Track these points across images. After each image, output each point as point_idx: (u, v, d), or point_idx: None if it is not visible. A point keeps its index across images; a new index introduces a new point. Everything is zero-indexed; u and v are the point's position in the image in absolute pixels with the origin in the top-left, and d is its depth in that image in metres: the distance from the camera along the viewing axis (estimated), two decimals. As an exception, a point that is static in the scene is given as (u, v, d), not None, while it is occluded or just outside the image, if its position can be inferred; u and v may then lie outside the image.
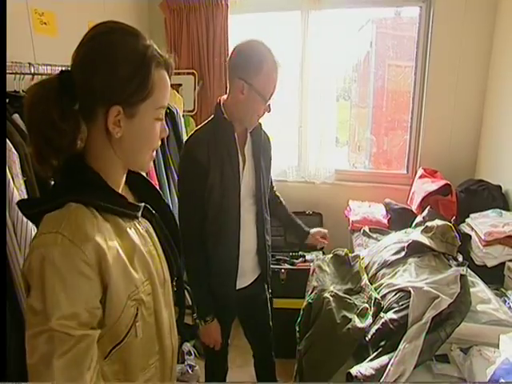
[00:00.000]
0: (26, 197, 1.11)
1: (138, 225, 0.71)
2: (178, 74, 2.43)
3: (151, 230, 0.76)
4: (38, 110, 0.59)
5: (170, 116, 1.91)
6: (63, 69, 0.63)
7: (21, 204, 0.63)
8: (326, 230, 1.51)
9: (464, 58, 2.09)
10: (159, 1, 2.44)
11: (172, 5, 2.42)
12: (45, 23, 1.67)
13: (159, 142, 0.71)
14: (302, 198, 2.38)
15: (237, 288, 1.29)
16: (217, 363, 1.47)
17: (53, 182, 0.67)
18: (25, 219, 1.07)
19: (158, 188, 0.83)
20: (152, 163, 1.65)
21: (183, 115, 2.15)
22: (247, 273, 1.33)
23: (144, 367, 0.70)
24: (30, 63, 1.38)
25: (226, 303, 1.31)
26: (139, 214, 0.72)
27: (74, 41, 0.62)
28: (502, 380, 0.86)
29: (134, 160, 0.69)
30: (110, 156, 0.66)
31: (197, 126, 2.44)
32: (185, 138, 2.02)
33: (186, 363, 1.81)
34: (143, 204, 0.73)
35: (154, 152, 0.72)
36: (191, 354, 1.88)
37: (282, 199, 1.53)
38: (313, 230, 1.51)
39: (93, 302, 0.58)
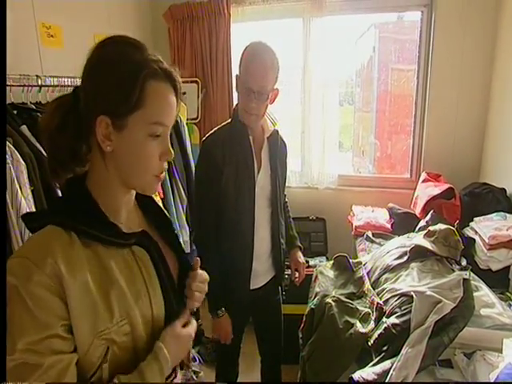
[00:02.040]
0: (33, 205, 1.14)
1: (127, 255, 0.64)
2: (182, 82, 2.47)
3: (147, 260, 0.67)
4: (42, 121, 0.61)
5: (174, 124, 1.94)
6: (70, 80, 0.66)
7: (25, 218, 0.63)
8: (302, 263, 1.43)
9: (466, 60, 2.09)
10: (163, 11, 2.49)
11: (175, 15, 2.48)
12: (52, 36, 1.72)
13: (164, 165, 0.65)
14: (306, 203, 2.38)
15: (251, 288, 1.31)
16: (228, 367, 1.48)
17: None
18: None
19: (167, 214, 0.79)
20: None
21: (187, 123, 2.19)
22: (261, 274, 1.35)
23: None
24: (37, 75, 1.42)
25: (240, 303, 1.32)
26: (132, 242, 0.65)
27: (80, 53, 0.63)
28: (505, 385, 0.86)
29: (130, 180, 0.64)
30: (104, 174, 0.63)
31: (200, 134, 2.50)
32: (189, 146, 2.05)
33: (190, 369, 1.82)
34: (139, 231, 0.67)
35: (163, 174, 0.66)
36: (195, 360, 1.88)
37: (289, 207, 1.55)
38: (294, 255, 1.45)
39: (62, 326, 0.55)
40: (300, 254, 1.46)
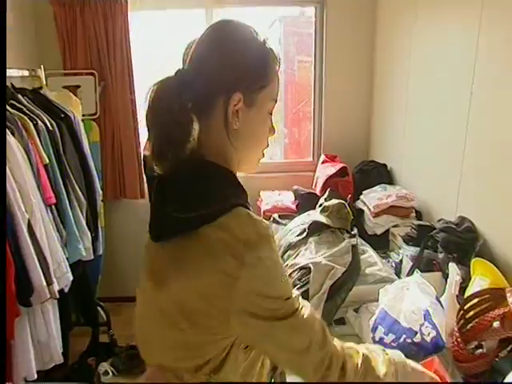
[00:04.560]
0: None
1: None
2: (75, 74, 2.26)
3: None
4: (160, 104, 0.60)
5: (66, 121, 1.76)
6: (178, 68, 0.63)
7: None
8: None
9: (353, 53, 2.33)
10: (46, -8, 2.22)
11: (61, -2, 2.23)
12: None
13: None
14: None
15: None
16: None
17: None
18: None
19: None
20: (45, 172, 1.51)
21: (83, 120, 2.00)
22: None
23: None
24: None
25: None
26: None
27: None
28: (379, 327, 1.00)
29: (247, 157, 0.69)
30: (228, 151, 0.65)
31: (101, 130, 2.32)
32: (85, 144, 1.88)
33: (101, 384, 1.73)
34: None
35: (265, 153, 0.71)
36: (108, 374, 1.80)
37: None
38: None
39: None
40: None
